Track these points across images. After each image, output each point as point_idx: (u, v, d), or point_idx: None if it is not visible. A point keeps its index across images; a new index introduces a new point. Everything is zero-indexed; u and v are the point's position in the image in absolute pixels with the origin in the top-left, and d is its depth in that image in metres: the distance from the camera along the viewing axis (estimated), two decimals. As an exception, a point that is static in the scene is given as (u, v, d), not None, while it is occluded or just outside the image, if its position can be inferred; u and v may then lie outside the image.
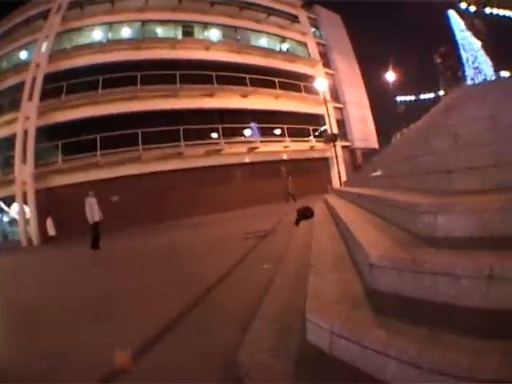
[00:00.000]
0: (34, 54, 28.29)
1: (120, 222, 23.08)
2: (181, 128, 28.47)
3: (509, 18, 30.29)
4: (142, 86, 28.18)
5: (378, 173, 9.24)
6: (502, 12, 30.26)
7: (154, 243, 15.68)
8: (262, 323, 4.09)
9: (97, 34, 30.60)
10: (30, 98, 26.79)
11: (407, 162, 7.18)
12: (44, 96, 27.02)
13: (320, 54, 44.02)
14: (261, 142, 32.95)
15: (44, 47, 27.76)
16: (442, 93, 24.41)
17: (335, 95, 44.04)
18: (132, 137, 27.10)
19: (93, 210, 14.76)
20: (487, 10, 30.60)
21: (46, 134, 26.73)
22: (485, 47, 30.18)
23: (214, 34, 34.30)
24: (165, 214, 25.52)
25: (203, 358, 3.77)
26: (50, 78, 27.04)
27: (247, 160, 32.05)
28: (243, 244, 11.29)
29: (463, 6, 30.38)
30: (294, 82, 37.22)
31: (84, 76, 27.45)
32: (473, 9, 30.15)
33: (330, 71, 44.93)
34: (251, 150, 32.33)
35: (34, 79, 27.10)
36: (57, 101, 27.00)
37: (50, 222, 23.03)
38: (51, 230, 22.98)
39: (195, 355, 3.89)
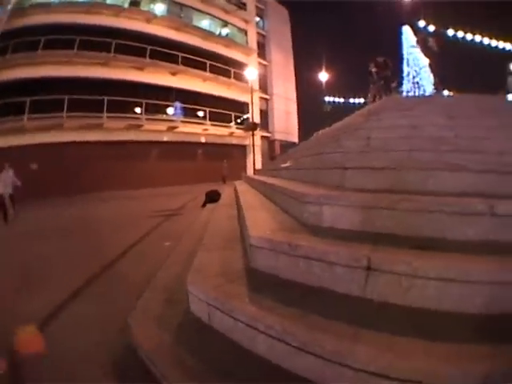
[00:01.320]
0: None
1: (37, 191, 21.89)
2: (105, 98, 27.44)
3: (472, 41, 31.51)
4: (79, 51, 26.73)
5: (288, 164, 9.50)
6: (467, 35, 31.40)
7: (66, 215, 15.22)
8: (152, 294, 4.22)
9: None
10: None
11: (314, 158, 7.48)
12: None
13: (258, 43, 43.87)
14: (181, 121, 32.50)
15: (9, 6, 25.76)
16: (370, 100, 25.29)
17: (264, 86, 44.15)
18: (59, 103, 25.75)
19: (5, 185, 13.81)
20: (450, 32, 31.51)
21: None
22: (431, 65, 31.14)
23: (159, 8, 33.24)
24: (81, 185, 24.40)
25: (105, 320, 4.09)
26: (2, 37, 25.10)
27: (165, 138, 31.39)
28: (150, 221, 11.36)
29: (421, 23, 31.17)
30: (225, 67, 36.84)
31: (30, 36, 25.58)
32: (432, 28, 31.01)
33: (264, 62, 45.00)
34: (171, 128, 31.82)
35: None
36: (1, 59, 25.29)
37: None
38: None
39: (99, 317, 4.21)
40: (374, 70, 22.14)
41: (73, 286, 5.41)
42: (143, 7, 32.19)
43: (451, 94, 27.09)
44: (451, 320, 2.32)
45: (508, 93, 20.21)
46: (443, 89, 28.68)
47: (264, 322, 2.54)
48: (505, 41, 31.26)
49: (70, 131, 26.05)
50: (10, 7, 25.68)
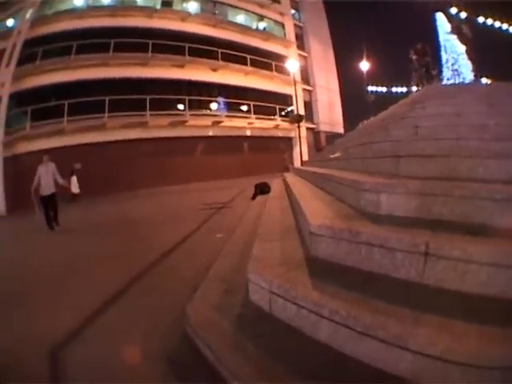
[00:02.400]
0: (18, 22, 26.99)
1: (82, 191, 22.89)
2: (147, 97, 27.82)
3: (500, 29, 30.60)
4: (115, 53, 27.18)
5: (337, 155, 9.46)
6: (495, 23, 30.52)
7: (117, 212, 15.58)
8: (210, 284, 4.29)
9: (78, 1, 28.87)
10: (8, 64, 25.48)
11: (364, 147, 7.42)
12: (21, 62, 25.62)
13: (296, 35, 43.49)
14: (226, 116, 32.66)
15: (28, 14, 26.54)
16: (414, 88, 24.66)
17: (306, 77, 43.85)
18: (99, 104, 26.20)
19: (46, 181, 11.72)
20: (480, 19, 30.70)
21: (17, 100, 25.56)
22: (468, 52, 30.37)
23: (193, 7, 33.40)
24: (127, 183, 24.95)
25: (158, 311, 4.14)
26: (28, 44, 25.77)
27: (211, 133, 31.67)
28: (200, 214, 11.45)
29: (454, 10, 30.44)
30: (266, 61, 36.76)
31: (60, 42, 26.22)
32: (463, 15, 30.24)
33: (304, 53, 44.65)
34: (216, 123, 32.00)
35: (14, 46, 25.67)
36: (31, 66, 25.78)
37: (74, 181, 22.76)
38: (75, 188, 22.82)
39: (151, 309, 4.26)
40: (414, 57, 21.78)
41: (129, 277, 5.58)
42: (176, 7, 32.49)
43: (489, 81, 26.32)
44: (500, 304, 2.32)
45: None
46: (481, 76, 27.90)
47: (328, 307, 2.56)
48: None
49: (113, 130, 26.62)
50: (29, 16, 26.34)
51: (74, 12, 27.70)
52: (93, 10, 28.24)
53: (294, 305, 2.86)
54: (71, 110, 25.63)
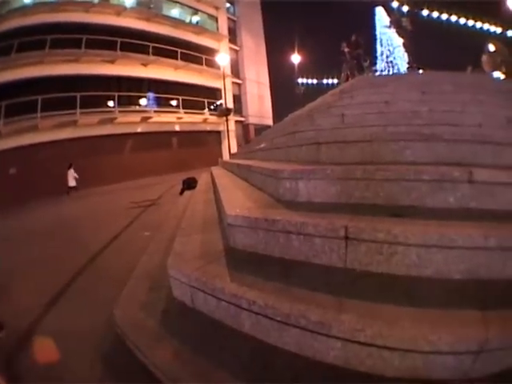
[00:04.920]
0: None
1: (18, 196, 21.65)
2: (78, 95, 26.85)
3: (448, 21, 31.67)
4: (51, 49, 25.97)
5: (262, 145, 9.49)
6: (442, 15, 31.54)
7: (48, 216, 14.88)
8: (135, 282, 4.24)
9: None
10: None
11: (288, 137, 7.47)
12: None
13: (229, 29, 43.30)
14: (154, 111, 32.11)
15: None
16: (343, 79, 25.21)
17: (236, 71, 43.84)
18: (31, 104, 25.06)
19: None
20: (424, 12, 31.59)
21: None
22: (406, 45, 31.18)
23: (129, 0, 32.78)
24: (57, 186, 24.16)
25: (90, 314, 4.07)
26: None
27: (140, 130, 31.01)
28: (129, 213, 11.29)
29: (395, 4, 31.16)
30: (196, 54, 36.37)
31: (4, 41, 24.83)
32: (405, 8, 31.02)
33: (235, 47, 44.62)
34: (145, 119, 31.46)
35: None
36: None
37: (71, 174, 23.80)
38: (72, 182, 23.84)
39: (83, 312, 4.18)
40: (346, 49, 22.07)
41: (61, 282, 5.42)
42: (112, 1, 31.61)
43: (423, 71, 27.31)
44: (436, 286, 2.35)
45: (473, 69, 20.49)
46: (417, 68, 28.81)
47: (246, 298, 2.54)
48: (482, 21, 31.51)
49: (45, 131, 25.55)
50: None
51: (23, 9, 26.46)
52: (38, 6, 27.00)
53: (214, 297, 2.84)
54: (6, 112, 24.55)
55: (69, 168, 23.98)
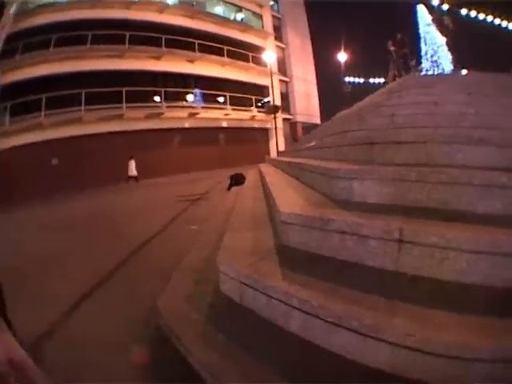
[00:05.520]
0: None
1: (60, 186, 22.12)
2: (123, 89, 27.34)
3: (484, 21, 31.12)
4: (92, 45, 26.60)
5: (312, 144, 9.43)
6: (479, 15, 31.01)
7: (96, 207, 15.15)
8: (182, 275, 4.25)
9: None
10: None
11: (338, 136, 7.38)
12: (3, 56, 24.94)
13: (274, 27, 43.30)
14: (202, 107, 32.35)
15: (13, 8, 25.79)
16: (390, 79, 24.78)
17: (283, 69, 43.73)
18: (75, 97, 25.74)
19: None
20: (463, 11, 31.05)
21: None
22: (448, 43, 30.57)
23: (171, -2, 33.12)
24: (105, 177, 24.53)
25: (133, 304, 4.08)
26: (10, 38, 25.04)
27: (187, 125, 31.34)
28: (176, 206, 11.38)
29: (435, 2, 30.65)
30: (243, 52, 36.56)
31: (38, 35, 25.49)
32: (445, 7, 30.47)
33: (281, 45, 44.56)
34: (192, 115, 31.67)
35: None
36: (9, 61, 24.94)
37: (132, 164, 24.79)
38: (132, 171, 24.77)
39: (127, 302, 4.22)
40: (392, 48, 21.69)
41: (107, 267, 5.59)
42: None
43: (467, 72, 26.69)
44: (481, 293, 2.28)
45: None
46: (461, 67, 28.10)
47: (298, 297, 2.49)
48: None
49: (90, 124, 26.09)
50: (13, 10, 25.70)
51: (56, 5, 27.09)
52: (74, 2, 27.61)
53: (264, 295, 2.79)
54: (49, 104, 25.10)
55: (130, 159, 24.72)
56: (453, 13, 31.40)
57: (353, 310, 2.21)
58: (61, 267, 6.05)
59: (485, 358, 1.82)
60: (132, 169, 24.81)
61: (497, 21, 31.48)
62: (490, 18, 31.54)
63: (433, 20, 31.51)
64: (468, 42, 35.97)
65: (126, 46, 28.06)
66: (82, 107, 25.98)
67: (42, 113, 24.98)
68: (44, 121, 24.83)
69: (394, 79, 20.69)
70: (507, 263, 2.31)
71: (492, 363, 1.81)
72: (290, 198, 4.36)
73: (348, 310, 2.23)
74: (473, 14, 31.56)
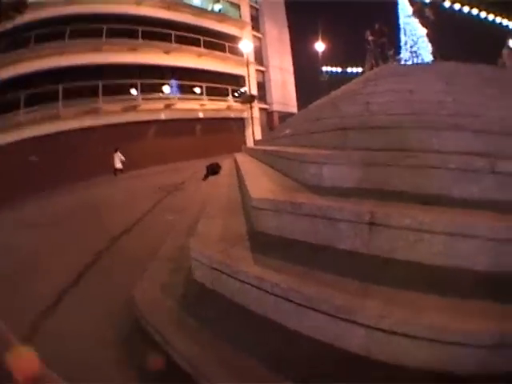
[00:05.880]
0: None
1: (39, 183, 21.85)
2: (100, 83, 27.00)
3: (469, 14, 31.40)
4: (70, 40, 26.14)
5: (287, 132, 9.45)
6: (464, 8, 31.25)
7: (75, 201, 14.96)
8: (157, 264, 4.25)
9: None
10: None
11: (313, 123, 7.41)
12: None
13: (251, 16, 42.98)
14: (178, 98, 32.16)
15: None
16: (368, 68, 24.61)
17: (260, 58, 43.52)
18: (52, 93, 25.23)
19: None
20: (446, 4, 31.25)
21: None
22: (429, 35, 30.65)
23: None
24: (83, 172, 24.28)
25: (111, 294, 4.09)
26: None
27: (163, 116, 31.08)
28: (153, 197, 11.32)
29: None
30: (220, 42, 36.24)
31: (19, 33, 24.88)
32: None
33: (258, 35, 44.24)
34: (168, 106, 31.48)
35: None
36: None
37: (117, 157, 25.04)
38: (118, 164, 25.08)
39: (105, 292, 4.21)
40: (370, 37, 21.72)
41: (85, 260, 5.56)
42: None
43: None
44: (460, 276, 2.30)
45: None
46: (441, 58, 28.34)
47: (269, 281, 2.50)
48: (502, 17, 31.11)
49: (67, 119, 25.71)
50: None
51: (34, 2, 26.55)
52: None
53: (236, 280, 2.81)
54: (27, 102, 24.68)
55: (115, 151, 25.04)
56: (435, 5, 31.61)
57: (325, 292, 2.23)
58: (40, 262, 6.01)
59: (461, 342, 1.83)
60: (117, 161, 25.05)
61: (483, 14, 31.81)
62: (475, 11, 31.85)
63: (413, 11, 31.69)
64: (452, 34, 36.29)
65: (104, 39, 27.66)
66: (60, 103, 25.60)
67: (21, 111, 24.54)
68: (22, 118, 24.43)
69: (372, 69, 20.74)
70: (484, 246, 2.33)
71: (467, 347, 1.83)
72: (262, 185, 4.37)
73: (320, 292, 2.25)
74: (457, 6, 31.82)
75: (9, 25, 24.89)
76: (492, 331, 1.82)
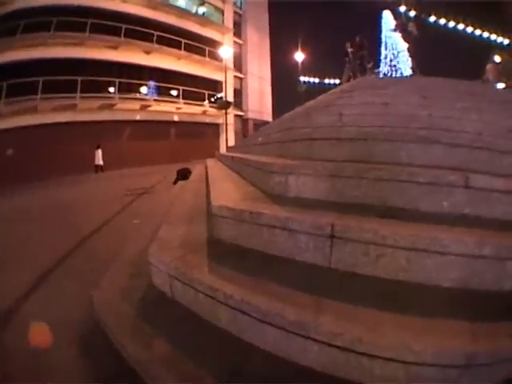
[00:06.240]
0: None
1: (13, 178, 21.49)
2: (79, 79, 26.75)
3: (454, 28, 32.02)
4: (55, 32, 25.96)
5: (259, 140, 9.46)
6: (449, 23, 31.83)
7: (44, 199, 14.81)
8: (117, 269, 4.18)
9: None
10: None
11: (284, 132, 7.41)
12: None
13: (234, 22, 43.30)
14: (154, 100, 32.03)
15: None
16: (345, 80, 24.78)
17: (239, 65, 43.86)
18: (31, 85, 24.93)
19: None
20: (431, 19, 31.76)
21: None
22: (410, 49, 31.06)
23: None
24: (57, 168, 23.84)
25: (71, 297, 4.03)
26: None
27: (138, 117, 30.92)
28: (121, 200, 11.25)
29: (402, 9, 31.07)
30: (200, 46, 36.33)
31: (7, 22, 25.07)
32: (412, 13, 30.96)
33: (239, 41, 44.69)
34: (144, 107, 31.33)
35: None
36: None
37: (98, 154, 25.82)
38: (99, 161, 25.84)
39: (65, 295, 4.13)
40: (349, 49, 21.93)
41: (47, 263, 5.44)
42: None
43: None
44: (424, 293, 2.29)
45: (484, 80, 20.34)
46: (420, 73, 28.78)
47: (223, 292, 2.47)
48: (489, 31, 31.73)
49: (44, 113, 25.46)
50: None
51: None
52: None
53: (192, 288, 2.77)
54: (6, 92, 24.52)
55: (97, 148, 25.74)
56: (420, 20, 32.03)
57: (277, 306, 2.19)
58: (4, 261, 5.85)
59: (427, 362, 1.80)
60: (99, 158, 25.70)
61: (469, 29, 32.38)
62: (461, 26, 32.40)
63: (396, 26, 32.02)
64: (433, 49, 36.89)
65: (87, 33, 27.47)
66: (39, 96, 25.33)
67: (1, 101, 24.38)
68: (2, 109, 24.19)
69: (349, 80, 20.90)
70: (453, 262, 2.33)
71: (431, 366, 1.80)
72: (226, 192, 4.35)
73: (272, 305, 2.21)
74: (442, 21, 32.33)
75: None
76: (457, 351, 1.81)
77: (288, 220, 2.86)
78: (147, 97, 31.93)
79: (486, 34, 31.93)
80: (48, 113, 25.56)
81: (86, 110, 27.43)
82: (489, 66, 20.82)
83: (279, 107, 46.50)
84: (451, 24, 32.26)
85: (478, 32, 32.09)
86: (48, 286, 4.63)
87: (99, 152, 25.81)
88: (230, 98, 38.02)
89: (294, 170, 3.64)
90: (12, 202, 14.62)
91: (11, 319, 3.71)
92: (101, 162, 25.92)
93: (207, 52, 37.24)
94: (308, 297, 2.29)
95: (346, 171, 3.33)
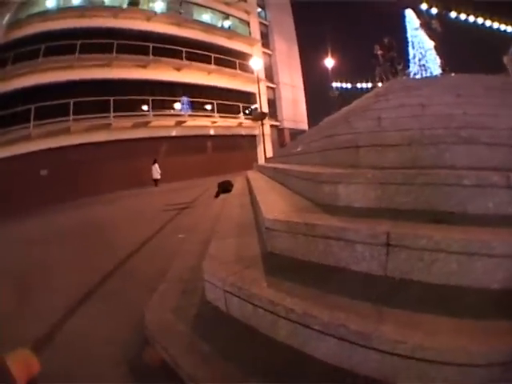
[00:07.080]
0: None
1: (49, 197, 22.10)
2: (111, 99, 27.37)
3: (474, 23, 31.56)
4: (80, 54, 26.66)
5: (298, 149, 9.42)
6: (469, 18, 31.37)
7: (83, 217, 15.14)
8: (167, 286, 4.16)
9: (50, 2, 28.38)
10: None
11: (325, 140, 7.36)
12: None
13: (261, 33, 43.72)
14: (189, 115, 32.38)
15: (5, 19, 25.86)
16: (380, 84, 24.43)
17: (270, 75, 44.01)
18: (63, 107, 25.65)
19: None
20: (452, 14, 31.37)
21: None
22: (437, 47, 30.66)
23: (159, 6, 33.03)
24: (93, 187, 24.46)
25: (119, 316, 4.01)
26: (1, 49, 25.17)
27: (174, 133, 31.40)
28: (164, 216, 11.32)
29: (424, 6, 30.81)
30: (230, 59, 36.73)
31: (27, 45, 25.66)
32: (434, 11, 30.64)
33: (268, 51, 44.90)
34: (179, 123, 31.74)
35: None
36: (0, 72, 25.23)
37: (155, 168, 26.92)
38: (156, 175, 26.98)
39: (113, 314, 4.13)
40: (379, 52, 21.73)
41: (93, 280, 5.49)
42: (142, 6, 32.14)
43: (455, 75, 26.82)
44: (475, 296, 2.22)
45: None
46: (450, 71, 28.24)
47: (283, 305, 2.43)
48: (506, 24, 31.15)
49: (77, 134, 26.12)
50: (5, 21, 25.67)
51: (45, 15, 27.12)
52: (63, 11, 27.77)
53: (250, 304, 2.74)
54: (37, 115, 25.08)
55: (153, 163, 26.77)
56: (442, 16, 31.57)
57: (340, 317, 2.15)
58: (45, 282, 5.94)
59: (481, 363, 1.76)
60: (156, 172, 26.96)
61: (488, 23, 31.84)
62: (480, 20, 31.89)
63: (421, 24, 31.64)
64: (457, 45, 36.33)
65: (114, 54, 28.06)
66: (71, 117, 25.90)
67: (31, 124, 24.91)
68: (32, 132, 24.77)
69: (382, 83, 20.70)
70: (500, 264, 2.26)
71: (488, 367, 1.76)
72: (275, 204, 4.32)
73: (335, 316, 2.17)
74: (463, 16, 31.87)
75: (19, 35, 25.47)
76: (501, 350, 1.77)
77: (343, 230, 2.82)
78: (181, 112, 32.26)
79: (507, 28, 31.37)
80: (81, 133, 26.20)
81: (120, 129, 27.96)
82: (505, 59, 20.31)
83: (313, 114, 46.59)
84: (471, 19, 31.72)
85: (496, 25, 31.51)
86: (94, 308, 4.58)
87: (156, 166, 26.64)
88: (265, 109, 38.18)
89: (343, 179, 3.59)
90: (50, 221, 15.02)
91: (55, 337, 3.74)
92: (158, 176, 26.75)
93: (237, 64, 37.51)
94: (368, 306, 2.25)
95: (396, 178, 3.27)
